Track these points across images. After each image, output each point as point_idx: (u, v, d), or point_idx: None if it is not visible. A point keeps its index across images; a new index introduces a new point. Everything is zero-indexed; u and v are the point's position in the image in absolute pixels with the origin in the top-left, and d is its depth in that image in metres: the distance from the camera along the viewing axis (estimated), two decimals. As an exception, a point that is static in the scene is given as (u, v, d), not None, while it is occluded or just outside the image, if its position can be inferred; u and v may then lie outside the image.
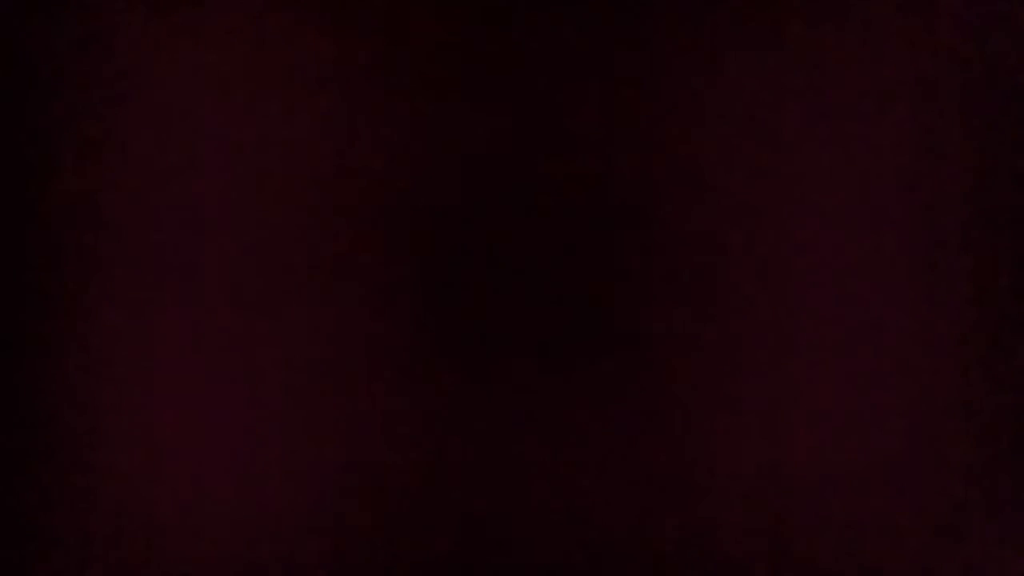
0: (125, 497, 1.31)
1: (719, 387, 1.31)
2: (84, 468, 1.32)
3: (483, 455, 1.31)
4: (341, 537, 1.31)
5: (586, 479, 1.31)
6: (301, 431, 1.31)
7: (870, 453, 1.31)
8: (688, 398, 1.31)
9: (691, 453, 1.31)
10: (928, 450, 1.32)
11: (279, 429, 1.32)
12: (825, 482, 1.31)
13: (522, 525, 1.31)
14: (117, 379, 1.32)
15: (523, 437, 1.31)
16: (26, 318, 1.33)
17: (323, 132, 1.33)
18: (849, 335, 1.32)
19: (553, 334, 1.31)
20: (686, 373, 1.31)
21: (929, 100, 1.33)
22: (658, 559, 1.31)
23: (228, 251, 1.32)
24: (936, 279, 1.33)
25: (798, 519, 1.31)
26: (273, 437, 1.31)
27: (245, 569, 1.31)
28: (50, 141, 1.34)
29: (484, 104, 1.33)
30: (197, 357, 1.32)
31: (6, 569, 1.32)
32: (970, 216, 1.33)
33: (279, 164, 1.33)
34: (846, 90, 1.33)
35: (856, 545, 1.31)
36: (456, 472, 1.31)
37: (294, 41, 1.33)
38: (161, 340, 1.32)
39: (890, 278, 1.32)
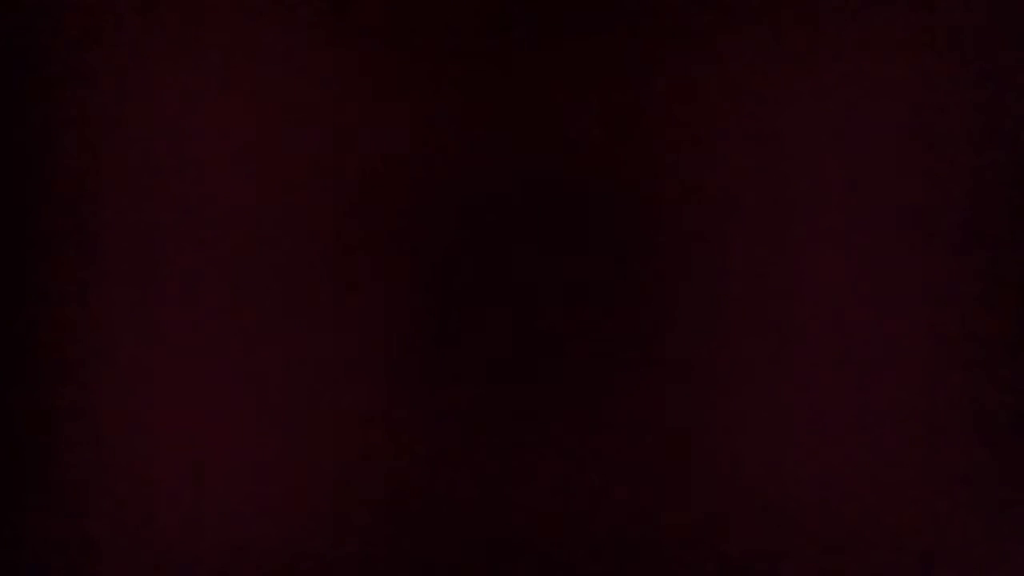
0: (125, 497, 1.31)
1: (720, 387, 1.31)
2: (84, 468, 1.32)
3: (484, 454, 1.31)
4: (342, 538, 1.31)
5: (587, 479, 1.31)
6: (302, 432, 1.32)
7: (870, 453, 1.31)
8: (689, 398, 1.31)
9: (692, 453, 1.31)
10: (928, 450, 1.32)
11: (280, 430, 1.32)
12: (825, 482, 1.31)
13: (523, 525, 1.31)
14: (117, 379, 1.32)
15: (524, 437, 1.31)
16: (26, 318, 1.33)
17: (323, 131, 1.33)
18: (850, 335, 1.32)
19: (554, 334, 1.31)
20: (687, 373, 1.31)
21: (929, 99, 1.33)
22: (659, 559, 1.31)
23: (228, 251, 1.32)
24: (936, 280, 1.33)
25: (798, 519, 1.31)
26: (274, 438, 1.32)
27: (246, 570, 1.31)
28: (50, 140, 1.34)
29: (484, 104, 1.33)
30: (198, 357, 1.32)
31: (6, 569, 1.32)
32: (971, 216, 1.33)
33: (279, 163, 1.33)
34: (846, 90, 1.33)
35: (856, 546, 1.31)
36: (457, 472, 1.31)
37: (294, 40, 1.33)
38: (162, 340, 1.32)
39: (891, 279, 1.32)
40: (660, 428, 1.31)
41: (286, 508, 1.31)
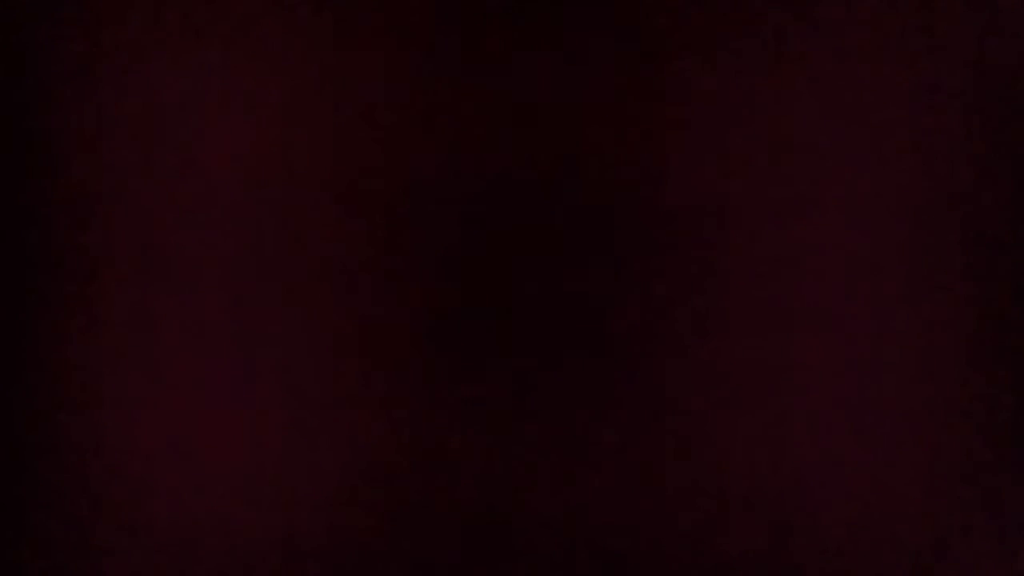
0: (125, 497, 1.31)
1: (719, 387, 1.31)
2: (84, 468, 1.32)
3: (483, 455, 1.31)
4: (342, 537, 1.31)
5: (586, 479, 1.31)
6: (302, 432, 1.32)
7: (870, 453, 1.31)
8: (688, 398, 1.31)
9: (691, 453, 1.31)
10: (928, 450, 1.32)
11: (280, 430, 1.32)
12: (825, 482, 1.31)
13: (522, 525, 1.31)
14: (117, 379, 1.32)
15: (523, 437, 1.31)
16: (26, 318, 1.33)
17: (323, 130, 1.33)
18: (849, 335, 1.32)
19: (553, 334, 1.31)
20: (686, 373, 1.31)
21: (929, 100, 1.34)
22: (659, 559, 1.31)
23: (229, 251, 1.32)
24: (936, 280, 1.33)
25: (798, 519, 1.31)
26: (274, 437, 1.32)
27: (246, 569, 1.31)
28: (50, 140, 1.34)
29: (483, 103, 1.33)
30: (198, 357, 1.32)
31: (6, 569, 1.32)
32: (971, 216, 1.33)
33: (279, 163, 1.33)
34: (846, 90, 1.33)
35: (856, 545, 1.31)
36: (456, 472, 1.31)
37: (294, 39, 1.33)
38: (162, 339, 1.32)
39: (890, 279, 1.32)
40: (661, 429, 1.31)
41: (286, 508, 1.31)
